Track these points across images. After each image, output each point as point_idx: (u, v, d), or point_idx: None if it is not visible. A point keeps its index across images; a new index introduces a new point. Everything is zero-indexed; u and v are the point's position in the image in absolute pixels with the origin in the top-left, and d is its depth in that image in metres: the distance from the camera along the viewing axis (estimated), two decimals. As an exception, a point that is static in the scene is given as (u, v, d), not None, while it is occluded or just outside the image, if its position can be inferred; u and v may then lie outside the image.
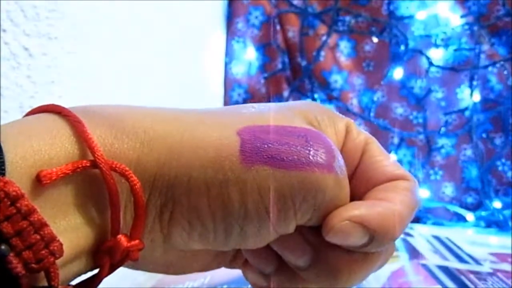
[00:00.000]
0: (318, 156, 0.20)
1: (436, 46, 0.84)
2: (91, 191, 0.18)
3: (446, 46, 0.84)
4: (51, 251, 0.15)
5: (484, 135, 0.84)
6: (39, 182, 0.16)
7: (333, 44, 0.88)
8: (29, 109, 0.20)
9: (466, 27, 0.82)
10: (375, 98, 0.86)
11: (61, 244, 0.15)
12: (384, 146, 0.25)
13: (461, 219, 0.84)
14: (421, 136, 0.85)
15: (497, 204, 0.82)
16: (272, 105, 0.23)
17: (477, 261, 0.60)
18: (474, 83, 0.83)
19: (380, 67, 0.87)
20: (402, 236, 0.71)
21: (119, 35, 0.50)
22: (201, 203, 0.19)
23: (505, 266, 0.58)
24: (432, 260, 0.60)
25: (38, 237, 0.15)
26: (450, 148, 0.85)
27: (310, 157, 0.20)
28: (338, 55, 0.88)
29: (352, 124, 0.25)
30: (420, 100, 0.85)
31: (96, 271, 0.18)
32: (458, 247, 0.67)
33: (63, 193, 0.17)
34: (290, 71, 0.90)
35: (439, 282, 0.53)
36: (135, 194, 0.18)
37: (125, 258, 0.18)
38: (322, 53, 0.87)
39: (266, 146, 0.19)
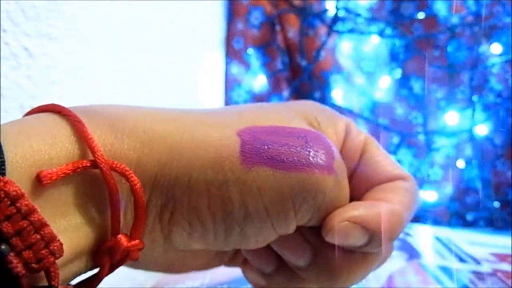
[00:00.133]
0: (318, 157, 0.20)
1: (436, 46, 0.84)
2: (91, 191, 0.18)
3: (446, 46, 0.84)
4: (51, 251, 0.15)
5: (484, 136, 0.83)
6: (39, 182, 0.16)
7: (333, 45, 0.88)
8: (29, 109, 0.20)
9: (466, 27, 0.82)
10: (375, 98, 0.86)
11: (61, 244, 0.15)
12: (384, 146, 0.25)
13: (461, 219, 0.84)
14: (421, 136, 0.85)
15: (496, 204, 0.82)
16: (272, 105, 0.23)
17: (477, 261, 0.60)
18: (474, 83, 0.83)
19: (380, 67, 0.87)
20: (402, 236, 0.72)
21: (119, 35, 0.50)
22: (201, 203, 0.19)
23: (505, 266, 0.58)
24: (432, 260, 0.60)
25: (38, 236, 0.15)
26: (450, 148, 0.85)
27: (310, 158, 0.20)
28: (338, 55, 0.88)
29: (352, 124, 0.25)
30: (420, 100, 0.85)
31: (96, 270, 0.18)
32: (458, 247, 0.66)
33: (63, 193, 0.17)
34: (290, 71, 0.90)
35: (439, 282, 0.53)
36: (135, 194, 0.18)
37: (125, 258, 0.18)
38: (322, 53, 0.87)
39: (266, 147, 0.19)
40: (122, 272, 0.20)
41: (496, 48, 0.81)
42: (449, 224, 0.83)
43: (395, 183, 0.23)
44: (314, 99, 0.86)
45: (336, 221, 0.21)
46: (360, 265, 0.22)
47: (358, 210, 0.21)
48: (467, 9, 0.82)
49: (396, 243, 0.25)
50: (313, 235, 0.22)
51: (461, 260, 0.61)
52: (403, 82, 0.86)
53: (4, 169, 0.15)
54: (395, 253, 0.63)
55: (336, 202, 0.21)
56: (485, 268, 0.58)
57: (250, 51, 0.90)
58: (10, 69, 0.34)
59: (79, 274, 0.18)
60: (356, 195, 0.23)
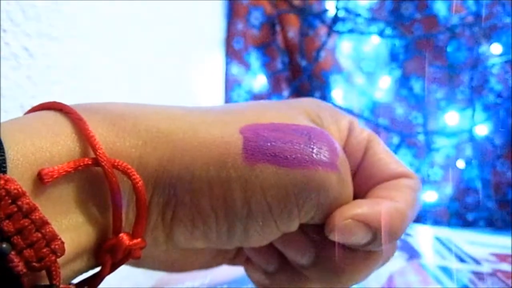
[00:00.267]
0: (322, 154, 0.20)
1: (436, 46, 0.84)
2: (93, 189, 0.17)
3: (446, 46, 0.84)
4: (52, 250, 0.15)
5: (484, 136, 0.83)
6: (41, 180, 0.16)
7: (333, 45, 0.88)
8: (29, 109, 0.20)
9: (466, 27, 0.82)
10: (375, 98, 0.86)
11: (62, 243, 0.15)
12: (384, 146, 0.25)
13: (461, 219, 0.84)
14: (421, 136, 0.85)
15: (496, 204, 0.82)
16: (274, 103, 0.23)
17: (477, 261, 0.60)
18: (474, 83, 0.83)
19: (380, 67, 0.87)
20: (402, 236, 0.71)
21: (119, 35, 0.50)
22: (204, 201, 0.19)
23: (505, 266, 0.58)
24: (432, 260, 0.60)
25: (39, 235, 0.15)
26: (450, 148, 0.85)
27: (314, 155, 0.20)
28: (338, 55, 0.88)
29: (355, 122, 0.25)
30: (420, 100, 0.85)
31: (97, 269, 0.18)
32: (458, 247, 0.66)
33: (65, 191, 0.17)
34: (290, 71, 0.90)
35: (439, 282, 0.53)
36: (137, 192, 0.18)
37: (127, 257, 0.18)
38: (322, 53, 0.87)
39: (269, 144, 0.19)
40: (122, 272, 0.20)
41: (496, 48, 0.81)
42: (449, 224, 0.83)
43: (399, 181, 0.23)
44: (314, 99, 0.86)
45: (339, 219, 0.20)
46: (363, 264, 0.22)
47: (362, 208, 0.21)
48: (467, 9, 0.82)
49: (397, 245, 0.25)
50: (316, 233, 0.22)
51: (461, 260, 0.61)
52: (403, 82, 0.86)
53: (5, 167, 0.15)
54: (395, 253, 0.63)
55: (340, 200, 0.21)
56: (485, 268, 0.58)
57: (250, 51, 0.90)
58: (10, 69, 0.34)
59: (80, 273, 0.18)
60: (359, 193, 0.23)
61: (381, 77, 0.87)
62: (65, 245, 0.15)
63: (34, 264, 0.15)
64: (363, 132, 0.24)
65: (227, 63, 0.91)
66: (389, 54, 0.86)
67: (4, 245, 0.14)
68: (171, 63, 0.66)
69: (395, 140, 0.86)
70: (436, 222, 0.83)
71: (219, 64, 0.90)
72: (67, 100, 0.19)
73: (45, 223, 0.15)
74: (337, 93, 0.88)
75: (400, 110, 0.87)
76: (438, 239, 0.71)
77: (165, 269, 0.26)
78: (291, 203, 0.20)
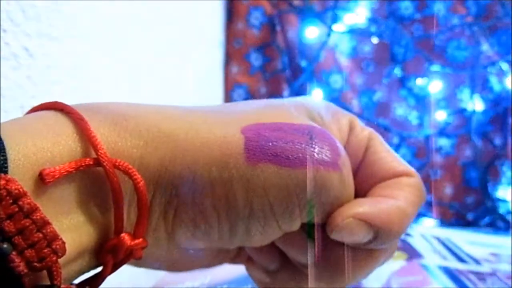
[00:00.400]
0: (323, 154, 0.20)
1: (436, 46, 0.84)
2: (94, 189, 0.17)
3: (445, 46, 0.84)
4: (53, 250, 0.15)
5: (484, 135, 0.84)
6: (42, 181, 0.16)
7: (333, 45, 0.88)
8: (30, 109, 0.20)
9: (466, 27, 0.82)
10: (375, 98, 0.87)
11: (63, 243, 0.15)
12: (384, 146, 0.25)
13: (461, 219, 0.84)
14: (421, 136, 0.85)
15: (496, 204, 0.82)
16: (275, 101, 0.23)
17: (477, 261, 0.60)
18: (474, 83, 0.83)
19: (380, 67, 0.87)
20: (402, 236, 0.71)
21: (119, 35, 0.50)
22: (206, 201, 0.19)
23: (505, 266, 0.58)
24: (432, 260, 0.60)
25: (40, 235, 0.15)
26: (450, 148, 0.85)
27: (315, 155, 0.20)
28: (338, 55, 0.88)
29: (356, 120, 0.25)
30: (420, 100, 0.85)
31: (99, 269, 0.18)
32: (458, 247, 0.67)
33: (66, 191, 0.17)
34: (290, 71, 0.90)
35: (439, 282, 0.53)
36: (138, 193, 0.18)
37: (128, 257, 0.18)
38: (322, 53, 0.87)
39: (270, 144, 0.19)
40: (123, 271, 0.20)
41: (496, 48, 0.81)
42: (449, 224, 0.83)
43: (400, 179, 0.23)
44: (315, 99, 0.86)
45: (340, 218, 0.20)
46: (364, 262, 0.22)
47: (363, 206, 0.21)
48: (467, 9, 0.82)
49: (398, 244, 0.25)
50: (318, 232, 0.22)
51: (461, 260, 0.61)
52: (403, 82, 0.86)
53: (6, 167, 0.15)
54: (395, 253, 0.63)
55: (341, 199, 0.21)
56: (485, 268, 0.58)
57: (250, 51, 0.90)
58: (10, 69, 0.34)
59: (82, 273, 0.18)
60: (360, 191, 0.23)
61: (381, 77, 0.87)
62: (66, 245, 0.15)
63: (35, 264, 0.14)
64: (363, 130, 0.24)
65: (227, 63, 0.91)
66: (389, 54, 0.86)
67: (5, 245, 0.14)
68: (171, 63, 0.66)
69: (395, 140, 0.86)
70: (436, 222, 0.83)
71: (219, 64, 0.90)
72: (67, 100, 0.19)
73: (46, 223, 0.15)
74: (337, 93, 0.88)
75: (400, 110, 0.87)
76: (438, 239, 0.71)
77: (167, 269, 0.26)
78: (292, 203, 0.20)
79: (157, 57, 0.61)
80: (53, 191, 0.16)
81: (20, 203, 0.14)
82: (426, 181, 0.84)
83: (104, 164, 0.17)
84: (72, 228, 0.17)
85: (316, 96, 0.87)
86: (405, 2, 0.85)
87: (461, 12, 0.83)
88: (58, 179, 0.16)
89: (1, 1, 0.32)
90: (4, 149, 0.15)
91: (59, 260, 0.15)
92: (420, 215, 0.83)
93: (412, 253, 0.63)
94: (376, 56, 0.87)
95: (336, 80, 0.88)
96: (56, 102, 0.19)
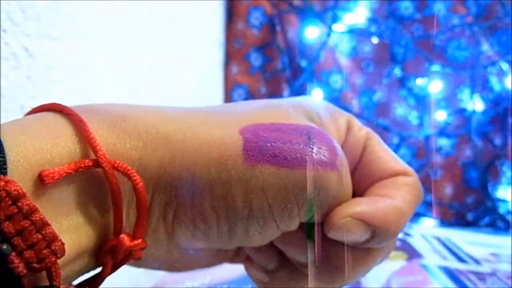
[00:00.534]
0: (321, 154, 0.20)
1: (436, 46, 0.84)
2: (93, 190, 0.17)
3: (445, 46, 0.84)
4: (52, 251, 0.15)
5: (484, 135, 0.84)
6: (41, 182, 0.16)
7: (333, 45, 0.88)
8: (29, 110, 0.20)
9: (466, 27, 0.82)
10: (375, 98, 0.87)
11: (62, 244, 0.15)
12: (384, 146, 0.25)
13: (461, 219, 0.84)
14: (421, 136, 0.85)
15: (496, 204, 0.82)
16: (273, 101, 0.23)
17: (477, 261, 0.60)
18: (474, 83, 0.83)
19: (380, 67, 0.87)
20: (402, 236, 0.72)
21: (119, 35, 0.50)
22: (205, 202, 0.19)
23: (505, 266, 0.58)
24: (432, 260, 0.60)
25: (39, 236, 0.15)
26: (450, 148, 0.85)
27: (313, 155, 0.20)
28: (338, 55, 0.88)
29: (353, 120, 0.25)
30: (420, 100, 0.86)
31: (98, 270, 0.18)
32: (458, 247, 0.67)
33: (65, 192, 0.17)
34: (290, 71, 0.90)
35: (439, 282, 0.53)
36: (137, 194, 0.18)
37: (127, 257, 0.18)
38: (322, 53, 0.87)
39: (269, 145, 0.19)
40: (123, 272, 0.20)
41: (496, 48, 0.81)
42: (449, 224, 0.83)
43: (397, 178, 0.23)
44: (314, 99, 0.86)
45: (338, 218, 0.21)
46: (362, 261, 0.22)
47: (361, 206, 0.21)
48: (467, 9, 0.82)
49: (396, 243, 0.25)
50: (316, 231, 0.22)
51: (461, 260, 0.61)
52: (403, 82, 0.86)
53: (5, 169, 0.15)
54: (395, 253, 0.63)
55: (339, 199, 0.21)
56: (485, 268, 0.58)
57: (250, 51, 0.90)
58: (10, 69, 0.34)
59: (81, 274, 0.18)
60: (358, 191, 0.23)
61: (381, 77, 0.87)
62: (66, 246, 0.15)
63: (34, 265, 0.15)
64: (361, 130, 0.24)
65: (227, 63, 0.91)
66: (389, 54, 0.86)
67: (4, 246, 0.14)
68: (171, 63, 0.66)
69: (395, 140, 0.86)
70: (436, 222, 0.83)
71: (219, 64, 0.90)
72: (67, 100, 0.19)
73: (45, 224, 0.15)
74: (337, 93, 0.88)
75: (400, 110, 0.87)
76: (438, 239, 0.71)
77: (166, 269, 0.26)
78: (291, 203, 0.20)
79: (157, 57, 0.61)
80: (52, 192, 0.16)
81: (20, 204, 0.14)
82: (426, 181, 0.84)
83: (103, 165, 0.17)
84: (71, 229, 0.17)
85: (315, 96, 0.87)
86: (405, 2, 0.85)
87: (461, 12, 0.83)
88: (57, 181, 0.16)
89: (1, 1, 0.32)
90: (3, 150, 0.15)
91: (58, 261, 0.15)
92: (420, 215, 0.83)
93: (412, 253, 0.63)
94: (376, 56, 0.87)
95: (336, 80, 0.88)
96: (55, 104, 0.19)
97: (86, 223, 0.17)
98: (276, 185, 0.19)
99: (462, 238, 0.71)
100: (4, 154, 0.15)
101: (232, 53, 0.91)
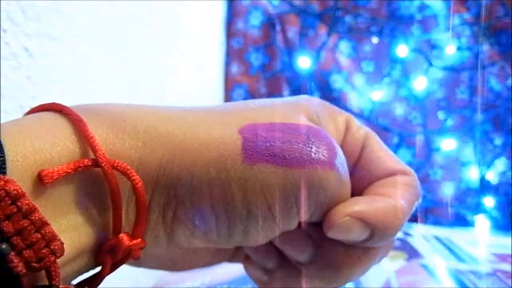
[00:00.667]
0: (320, 153, 0.20)
1: (436, 46, 0.84)
2: (93, 190, 0.17)
3: (445, 46, 0.84)
4: (52, 250, 0.15)
5: (484, 135, 0.83)
6: (41, 181, 0.16)
7: (333, 45, 0.88)
8: (28, 109, 0.20)
9: (466, 27, 0.82)
10: (375, 98, 0.87)
11: (62, 243, 0.15)
12: (383, 146, 0.25)
13: (461, 219, 0.84)
14: (421, 136, 0.85)
15: (496, 204, 0.82)
16: (272, 101, 0.23)
17: (477, 261, 0.60)
18: (474, 83, 0.83)
19: (380, 67, 0.87)
20: (402, 236, 0.72)
21: (119, 35, 0.50)
22: (204, 202, 0.19)
23: (505, 266, 0.58)
24: (432, 260, 0.60)
25: (39, 236, 0.15)
26: (450, 148, 0.85)
27: (312, 154, 0.20)
28: (338, 55, 0.88)
29: (352, 119, 0.25)
30: (420, 100, 0.85)
31: (97, 269, 0.18)
32: (458, 247, 0.67)
33: (65, 192, 0.17)
34: (290, 71, 0.90)
35: (439, 282, 0.53)
36: (137, 193, 0.18)
37: (127, 257, 0.18)
38: (322, 53, 0.87)
39: (268, 144, 0.19)
40: (123, 271, 0.20)
41: (495, 48, 0.81)
42: (449, 224, 0.83)
43: (396, 177, 0.23)
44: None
45: (337, 217, 0.21)
46: (361, 260, 0.22)
47: (359, 205, 0.21)
48: (467, 9, 0.82)
49: (396, 243, 0.25)
50: (315, 230, 0.22)
51: (461, 260, 0.61)
52: (403, 82, 0.86)
53: (5, 168, 0.15)
54: (395, 253, 0.63)
55: (338, 198, 0.21)
56: (485, 268, 0.58)
57: (250, 51, 0.90)
58: (10, 69, 0.34)
59: (80, 273, 0.18)
60: (357, 190, 0.23)
61: (382, 77, 0.87)
62: (65, 246, 0.15)
63: (33, 264, 0.15)
64: (360, 129, 0.25)
65: (227, 63, 0.91)
66: (389, 54, 0.86)
67: (3, 246, 0.14)
68: (171, 63, 0.66)
69: (395, 140, 0.86)
70: (436, 222, 0.83)
71: (219, 64, 0.90)
72: (67, 100, 0.19)
73: (44, 223, 0.15)
74: (337, 93, 0.88)
75: (400, 110, 0.87)
76: (438, 239, 0.71)
77: (166, 269, 0.26)
78: (290, 202, 0.20)
79: (157, 57, 0.61)
80: (51, 192, 0.16)
81: (19, 203, 0.14)
82: (426, 181, 0.84)
83: (103, 165, 0.17)
84: (70, 229, 0.17)
85: (315, 96, 0.87)
86: (405, 2, 0.85)
87: (461, 12, 0.83)
88: (56, 180, 0.16)
89: (1, 1, 0.33)
90: (3, 150, 0.15)
91: (57, 260, 0.15)
92: (420, 215, 0.83)
93: (412, 253, 0.63)
94: (376, 56, 0.87)
95: (336, 80, 0.88)
96: (54, 104, 0.19)
97: (85, 223, 0.17)
98: (275, 185, 0.19)
99: (462, 238, 0.71)
100: (3, 153, 0.15)
101: (232, 53, 0.91)
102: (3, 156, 0.15)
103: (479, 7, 0.82)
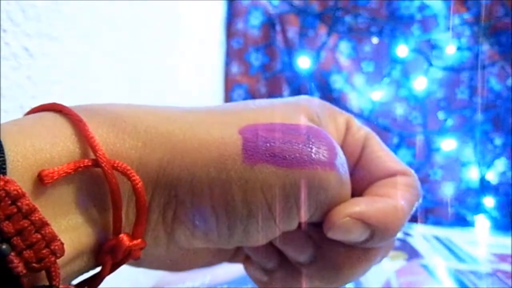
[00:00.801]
0: (320, 153, 0.20)
1: (436, 46, 0.84)
2: (93, 190, 0.17)
3: (445, 46, 0.84)
4: (52, 251, 0.15)
5: (484, 135, 0.83)
6: (41, 181, 0.16)
7: (333, 45, 0.88)
8: (29, 110, 0.20)
9: (466, 27, 0.82)
10: (375, 98, 0.87)
11: (62, 244, 0.15)
12: (383, 146, 0.25)
13: (461, 219, 0.84)
14: (421, 136, 0.85)
15: (496, 204, 0.82)
16: (273, 101, 0.23)
17: (477, 261, 0.60)
18: (474, 83, 0.83)
19: (380, 67, 0.87)
20: (402, 236, 0.72)
21: (119, 35, 0.50)
22: (204, 202, 0.19)
23: (505, 266, 0.58)
24: (432, 260, 0.60)
25: (39, 236, 0.15)
26: (450, 148, 0.85)
27: (312, 155, 0.20)
28: (338, 56, 0.88)
29: (352, 120, 0.25)
30: (420, 100, 0.85)
31: (97, 269, 0.18)
32: (458, 247, 0.67)
33: (65, 192, 0.17)
34: (290, 71, 0.90)
35: (439, 282, 0.53)
36: (137, 194, 0.18)
37: (127, 257, 0.18)
38: (322, 53, 0.87)
39: (268, 144, 0.19)
40: (123, 272, 0.20)
41: (495, 48, 0.81)
42: (449, 224, 0.83)
43: (396, 178, 0.23)
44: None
45: (337, 217, 0.21)
46: (361, 261, 0.22)
47: (360, 206, 0.21)
48: (467, 9, 0.82)
49: (396, 243, 0.25)
50: (315, 231, 0.22)
51: (461, 260, 0.61)
52: (403, 82, 0.86)
53: (5, 168, 0.15)
54: (395, 253, 0.63)
55: (338, 198, 0.21)
56: (485, 268, 0.58)
57: (250, 51, 0.90)
58: (10, 69, 0.34)
59: (80, 274, 0.18)
60: (357, 191, 0.23)
61: (381, 77, 0.87)
62: (65, 246, 0.15)
63: (33, 265, 0.15)
64: (360, 130, 0.25)
65: (227, 63, 0.91)
66: (389, 54, 0.86)
67: (4, 246, 0.14)
68: (171, 63, 0.66)
69: (395, 140, 0.86)
70: (436, 222, 0.83)
71: (219, 64, 0.90)
72: (67, 100, 0.19)
73: (44, 224, 0.15)
74: (337, 94, 0.88)
75: (400, 110, 0.87)
76: (438, 239, 0.71)
77: (166, 269, 0.26)
78: (290, 203, 0.20)
79: (157, 57, 0.61)
80: (51, 192, 0.16)
81: (19, 204, 0.14)
82: (426, 181, 0.84)
83: (103, 165, 0.17)
84: (70, 229, 0.17)
85: (315, 96, 0.87)
86: (405, 2, 0.85)
87: (461, 12, 0.83)
88: (57, 180, 0.16)
89: (1, 1, 0.32)
90: (3, 150, 0.15)
91: (57, 260, 0.15)
92: (420, 215, 0.83)
93: (412, 253, 0.63)
94: (376, 56, 0.87)
95: (336, 80, 0.88)
96: (54, 104, 0.19)
97: (86, 223, 0.17)
98: (275, 185, 0.19)
99: (462, 238, 0.71)
100: (3, 154, 0.15)
101: (232, 53, 0.91)
102: (3, 156, 0.15)
103: (479, 7, 0.82)
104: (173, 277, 0.54)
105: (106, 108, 0.20)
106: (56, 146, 0.17)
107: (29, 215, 0.15)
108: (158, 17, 0.61)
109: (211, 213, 0.19)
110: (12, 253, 0.14)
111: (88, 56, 0.44)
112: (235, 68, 0.91)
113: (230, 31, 0.91)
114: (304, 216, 0.21)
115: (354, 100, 0.88)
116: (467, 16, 0.83)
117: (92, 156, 0.17)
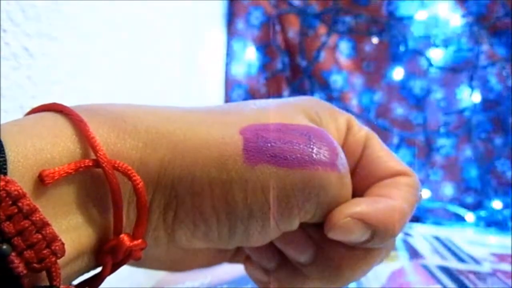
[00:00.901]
0: (321, 154, 0.20)
1: (436, 46, 0.84)
2: (94, 190, 0.17)
3: (445, 46, 0.84)
4: (52, 251, 0.15)
5: (484, 135, 0.84)
6: (41, 182, 0.16)
7: (333, 45, 0.88)
8: (29, 110, 0.20)
9: (466, 27, 0.83)
10: (375, 98, 0.87)
11: (62, 244, 0.15)
12: (383, 146, 0.25)
13: (461, 219, 0.84)
14: (421, 136, 0.85)
15: (496, 204, 0.82)
16: (273, 101, 0.23)
17: (477, 261, 0.60)
18: (474, 83, 0.83)
19: (380, 67, 0.87)
20: (402, 236, 0.72)
21: (119, 35, 0.50)
22: (205, 203, 0.19)
23: (505, 266, 0.58)
24: (432, 260, 0.60)
25: (39, 236, 0.15)
26: (450, 148, 0.85)
27: (313, 155, 0.20)
28: (338, 55, 0.88)
29: (353, 120, 0.25)
30: (420, 100, 0.86)
31: (98, 270, 0.18)
32: (458, 247, 0.67)
33: (65, 192, 0.17)
34: (290, 71, 0.90)
35: (439, 282, 0.53)
36: (137, 194, 0.18)
37: (127, 257, 0.18)
38: (322, 53, 0.87)
39: (269, 145, 0.19)
40: (123, 272, 0.20)
41: (496, 48, 0.81)
42: (449, 224, 0.83)
43: (397, 178, 0.23)
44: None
45: (338, 218, 0.21)
46: (362, 261, 0.22)
47: (360, 206, 0.21)
48: (467, 9, 0.82)
49: (396, 243, 0.25)
50: (316, 231, 0.22)
51: (461, 260, 0.61)
52: (403, 82, 0.86)
53: (5, 169, 0.15)
54: (395, 253, 0.63)
55: (339, 199, 0.21)
56: (485, 268, 0.58)
57: (250, 51, 0.90)
58: (10, 69, 0.34)
59: (81, 274, 0.18)
60: (358, 191, 0.23)
61: (382, 77, 0.87)
62: (66, 246, 0.15)
63: (34, 265, 0.15)
64: (361, 130, 0.25)
65: (227, 63, 0.91)
66: (389, 54, 0.86)
67: (4, 246, 0.14)
68: (171, 63, 0.66)
69: (395, 140, 0.86)
70: (436, 222, 0.83)
71: (219, 64, 0.90)
72: (67, 100, 0.19)
73: (45, 224, 0.15)
74: (337, 94, 0.88)
75: (400, 110, 0.87)
76: (438, 239, 0.71)
77: (166, 269, 0.26)
78: (291, 203, 0.20)
79: (157, 57, 0.61)
80: (52, 192, 0.16)
81: (20, 204, 0.14)
82: (426, 181, 0.84)
83: (104, 165, 0.17)
84: (71, 229, 0.17)
85: (315, 96, 0.87)
86: (405, 2, 0.85)
87: (461, 12, 0.83)
88: (57, 180, 0.16)
89: (1, 1, 0.32)
90: (3, 150, 0.15)
91: (58, 261, 0.15)
92: (420, 215, 0.83)
93: (412, 253, 0.63)
94: (376, 56, 0.87)
95: (336, 80, 0.88)
96: (55, 104, 0.19)
97: (86, 223, 0.17)
98: (276, 185, 0.19)
99: (462, 238, 0.71)
100: (4, 154, 0.15)
101: (232, 53, 0.91)
102: (4, 157, 0.15)
103: (479, 7, 0.82)
104: (173, 277, 0.54)
105: (107, 108, 0.19)
106: (56, 146, 0.17)
107: (29, 215, 0.14)
108: (158, 17, 0.61)
109: (211, 213, 0.19)
110: (13, 253, 0.14)
111: (88, 56, 0.44)
112: (235, 68, 0.91)
113: (230, 31, 0.91)
114: (304, 216, 0.21)
115: (354, 100, 0.88)
116: (467, 16, 0.83)
117: (93, 156, 0.17)
